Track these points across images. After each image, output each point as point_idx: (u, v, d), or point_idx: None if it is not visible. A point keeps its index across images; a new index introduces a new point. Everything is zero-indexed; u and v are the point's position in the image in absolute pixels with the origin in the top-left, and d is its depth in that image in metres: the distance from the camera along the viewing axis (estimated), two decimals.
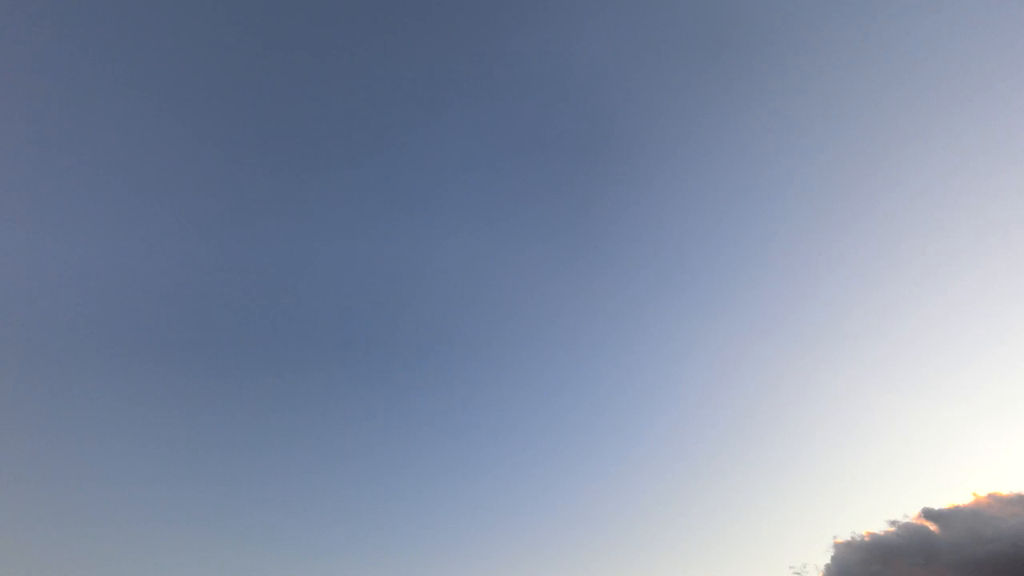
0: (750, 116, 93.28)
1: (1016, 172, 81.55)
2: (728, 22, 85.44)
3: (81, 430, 68.55)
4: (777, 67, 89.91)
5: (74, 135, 77.49)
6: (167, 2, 76.92)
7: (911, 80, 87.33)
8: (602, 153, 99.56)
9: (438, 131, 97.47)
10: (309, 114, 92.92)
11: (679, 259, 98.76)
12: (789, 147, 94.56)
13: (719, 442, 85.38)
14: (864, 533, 50.61)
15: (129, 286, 79.74)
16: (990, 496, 48.83)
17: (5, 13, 66.68)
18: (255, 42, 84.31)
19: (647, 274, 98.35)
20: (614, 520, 77.03)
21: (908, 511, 76.16)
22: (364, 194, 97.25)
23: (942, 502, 62.85)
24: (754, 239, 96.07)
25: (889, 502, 75.70)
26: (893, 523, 51.02)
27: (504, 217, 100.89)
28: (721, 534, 74.13)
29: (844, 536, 51.33)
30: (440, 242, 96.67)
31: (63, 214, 77.11)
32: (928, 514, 48.40)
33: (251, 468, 74.49)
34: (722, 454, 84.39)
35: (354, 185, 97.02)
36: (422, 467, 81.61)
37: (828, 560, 50.39)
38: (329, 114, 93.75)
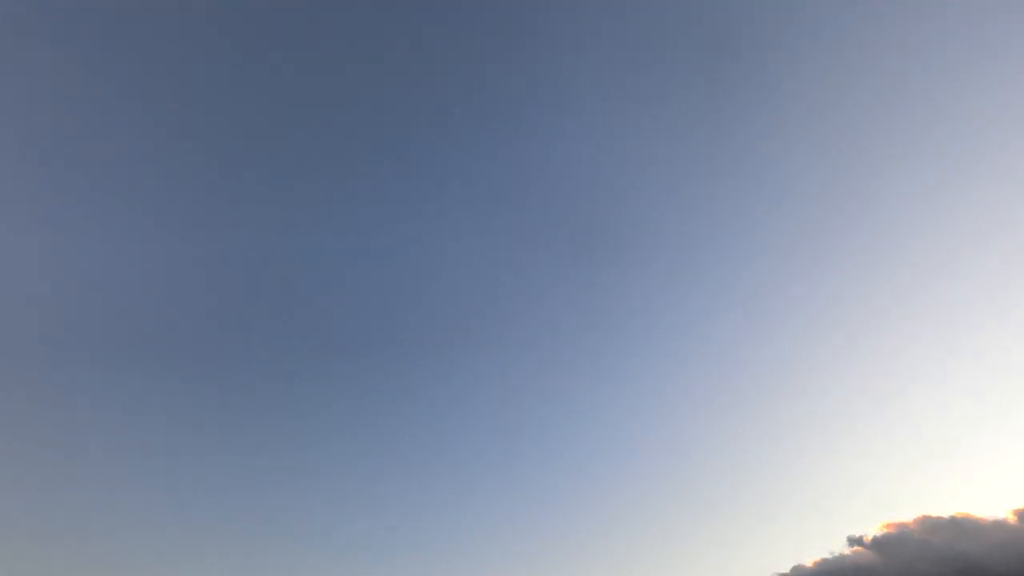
0: (755, 118, 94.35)
1: (1018, 174, 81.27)
2: (730, 26, 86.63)
3: (82, 432, 68.00)
4: (780, 70, 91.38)
5: (76, 136, 78.15)
6: (173, 2, 78.10)
7: (911, 82, 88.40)
8: (604, 150, 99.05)
9: (440, 131, 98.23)
10: (312, 112, 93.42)
11: (682, 260, 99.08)
12: (792, 148, 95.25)
13: (709, 451, 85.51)
14: (798, 564, 51.43)
15: (136, 287, 79.83)
16: (897, 525, 50.02)
17: (6, 14, 67.04)
18: (263, 42, 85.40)
19: (650, 275, 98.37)
20: (604, 522, 76.88)
21: (833, 539, 75.59)
22: (370, 193, 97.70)
23: (863, 528, 63.30)
24: (757, 241, 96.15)
25: (813, 530, 74.86)
26: (832, 552, 51.79)
27: (510, 217, 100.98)
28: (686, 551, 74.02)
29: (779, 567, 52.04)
30: (445, 241, 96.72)
31: (66, 216, 77.22)
32: (853, 541, 49.42)
33: (256, 468, 74.14)
34: (709, 463, 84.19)
35: (360, 184, 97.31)
36: (427, 467, 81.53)
37: None
38: (333, 111, 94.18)
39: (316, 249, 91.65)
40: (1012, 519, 53.91)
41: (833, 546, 55.33)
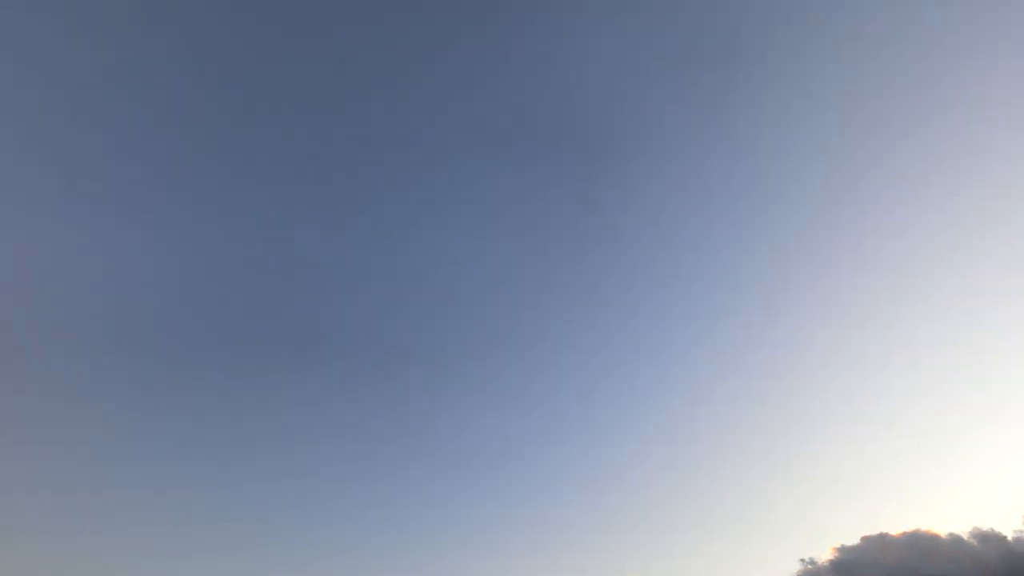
0: (753, 118, 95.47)
1: (1018, 173, 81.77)
2: (730, 29, 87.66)
3: (84, 431, 69.84)
4: (779, 71, 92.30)
5: (81, 137, 79.99)
6: (179, 4, 78.92)
7: (911, 81, 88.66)
8: (605, 155, 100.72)
9: (442, 135, 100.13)
10: (313, 114, 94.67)
11: (682, 261, 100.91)
12: (791, 149, 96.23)
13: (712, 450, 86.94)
14: None
15: (139, 288, 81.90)
16: (849, 548, 51.61)
17: (8, 15, 67.85)
18: (268, 45, 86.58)
19: (650, 276, 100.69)
20: (603, 520, 79.30)
21: (784, 562, 75.77)
22: (372, 196, 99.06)
23: (815, 550, 64.25)
24: (757, 242, 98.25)
25: (765, 553, 74.64)
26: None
27: (509, 220, 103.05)
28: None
29: None
30: (445, 245, 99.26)
31: (69, 215, 79.16)
32: (807, 563, 51.30)
33: (255, 468, 76.18)
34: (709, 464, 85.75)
35: (362, 188, 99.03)
36: (429, 466, 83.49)
37: None
38: (334, 115, 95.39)
39: (320, 252, 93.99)
40: (969, 539, 55.47)
41: (787, 568, 56.95)
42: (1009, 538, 54.80)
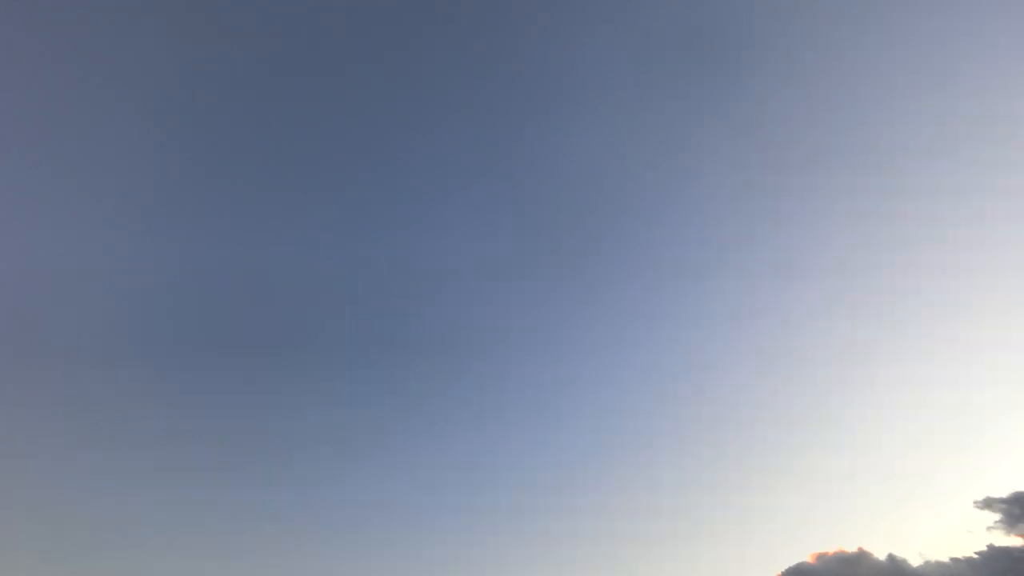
0: (750, 119, 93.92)
1: (1018, 173, 78.41)
2: (728, 27, 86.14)
3: (84, 431, 69.54)
4: (774, 70, 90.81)
5: (80, 137, 79.90)
6: (174, 5, 78.56)
7: (911, 82, 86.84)
8: (604, 154, 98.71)
9: (445, 135, 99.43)
10: (316, 115, 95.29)
11: (682, 262, 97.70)
12: (790, 149, 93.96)
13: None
14: None
15: (147, 289, 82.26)
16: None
17: (9, 14, 67.67)
18: (269, 45, 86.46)
19: (651, 277, 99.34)
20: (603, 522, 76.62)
21: None
22: (375, 195, 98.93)
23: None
24: (760, 244, 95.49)
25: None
26: None
27: (510, 222, 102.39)
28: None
29: None
30: (446, 246, 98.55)
31: (69, 216, 79.09)
32: None
33: (258, 470, 75.83)
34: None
35: (365, 187, 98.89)
36: (430, 469, 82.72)
37: None
38: (337, 116, 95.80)
39: (325, 253, 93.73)
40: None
41: None
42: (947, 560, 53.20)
